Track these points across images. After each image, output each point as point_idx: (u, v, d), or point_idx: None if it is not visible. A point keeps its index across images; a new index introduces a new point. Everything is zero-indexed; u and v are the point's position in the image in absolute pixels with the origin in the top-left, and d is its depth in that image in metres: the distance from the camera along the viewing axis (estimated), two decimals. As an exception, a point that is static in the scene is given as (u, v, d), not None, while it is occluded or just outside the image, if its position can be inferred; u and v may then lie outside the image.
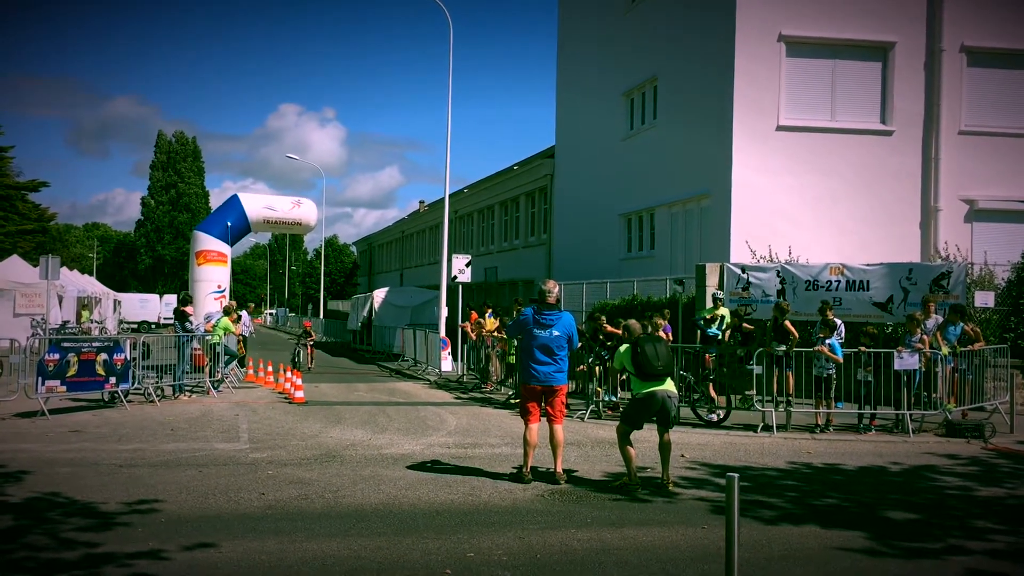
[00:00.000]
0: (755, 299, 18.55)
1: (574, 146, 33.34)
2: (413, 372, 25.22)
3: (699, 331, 16.44)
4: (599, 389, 15.32)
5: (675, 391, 9.21)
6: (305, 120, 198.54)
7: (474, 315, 22.05)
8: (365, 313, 36.14)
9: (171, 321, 21.79)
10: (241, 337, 21.75)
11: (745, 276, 18.73)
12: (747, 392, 14.31)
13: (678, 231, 24.89)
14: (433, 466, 10.22)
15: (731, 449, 11.95)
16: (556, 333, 9.37)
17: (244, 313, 21.70)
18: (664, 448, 9.18)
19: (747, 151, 21.61)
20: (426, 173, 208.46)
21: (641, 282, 23.12)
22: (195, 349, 17.89)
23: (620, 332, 14.72)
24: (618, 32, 29.02)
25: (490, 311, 21.38)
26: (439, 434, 13.00)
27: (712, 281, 19.25)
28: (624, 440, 9.10)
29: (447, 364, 24.09)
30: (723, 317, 16.16)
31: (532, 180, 37.95)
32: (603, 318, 15.80)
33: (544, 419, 9.66)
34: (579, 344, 9.99)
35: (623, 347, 9.34)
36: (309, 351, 25.54)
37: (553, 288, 9.55)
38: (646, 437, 11.04)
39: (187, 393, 17.44)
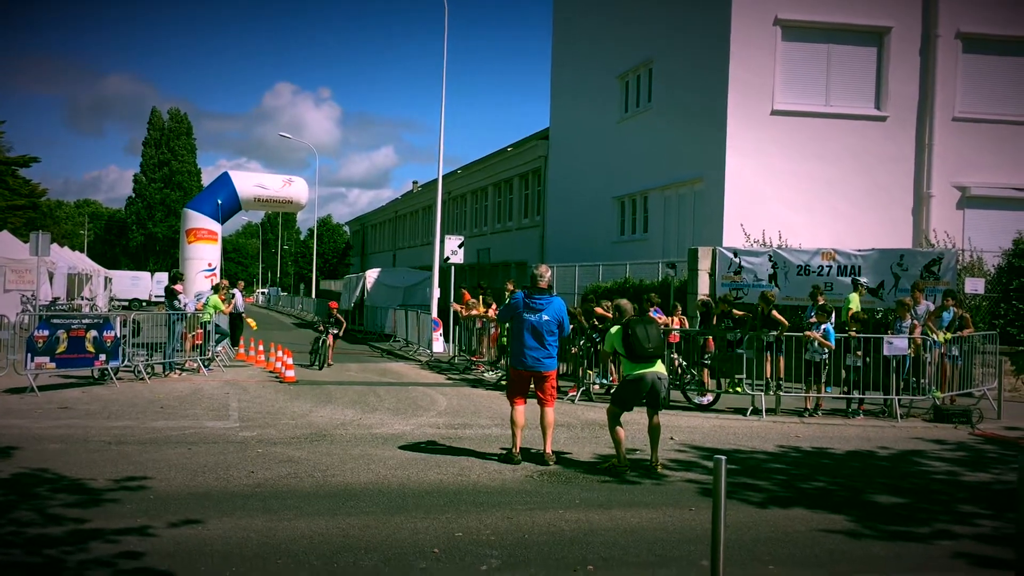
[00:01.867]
0: (747, 284, 18.58)
1: (568, 128, 33.23)
2: (404, 353, 25.23)
3: (699, 315, 16.46)
4: (590, 371, 15.33)
5: (665, 373, 9.22)
6: (301, 99, 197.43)
7: (467, 295, 22.02)
8: (357, 293, 36.09)
9: (162, 299, 21.66)
10: (243, 314, 21.67)
11: (737, 260, 18.75)
12: (737, 376, 14.34)
13: (671, 214, 24.86)
14: (423, 446, 10.23)
15: (720, 432, 11.98)
16: (546, 318, 9.34)
17: (237, 291, 21.64)
18: (653, 431, 9.20)
19: (741, 135, 21.56)
20: (421, 154, 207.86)
21: (634, 265, 23.13)
22: (186, 328, 17.84)
23: (611, 314, 14.75)
24: (614, 14, 28.86)
25: (483, 296, 21.33)
26: (429, 414, 13.01)
27: (704, 265, 19.25)
28: (614, 422, 9.12)
29: (439, 345, 24.08)
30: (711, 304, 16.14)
31: (526, 162, 37.84)
32: (602, 302, 15.79)
33: (535, 401, 9.66)
34: (571, 329, 9.94)
35: (614, 328, 9.33)
36: (331, 343, 20.20)
37: (545, 273, 9.51)
38: (636, 419, 11.07)
39: (177, 371, 17.41)
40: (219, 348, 19.85)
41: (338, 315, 20.64)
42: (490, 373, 19.21)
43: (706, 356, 15.02)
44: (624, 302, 9.67)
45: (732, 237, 20.91)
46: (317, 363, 19.82)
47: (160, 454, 9.36)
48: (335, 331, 20.26)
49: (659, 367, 9.09)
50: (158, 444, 9.96)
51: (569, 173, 32.48)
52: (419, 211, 57.03)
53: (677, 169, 24.13)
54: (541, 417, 9.55)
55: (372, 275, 35.94)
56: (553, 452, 9.53)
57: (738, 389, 14.31)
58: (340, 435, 10.92)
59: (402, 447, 10.14)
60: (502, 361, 18.45)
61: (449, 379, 18.67)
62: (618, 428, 9.08)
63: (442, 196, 26.73)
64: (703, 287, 19.18)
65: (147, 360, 16.78)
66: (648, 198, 26.33)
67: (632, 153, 27.12)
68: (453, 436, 11.07)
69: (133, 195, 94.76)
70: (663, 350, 9.10)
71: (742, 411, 13.73)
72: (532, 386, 9.56)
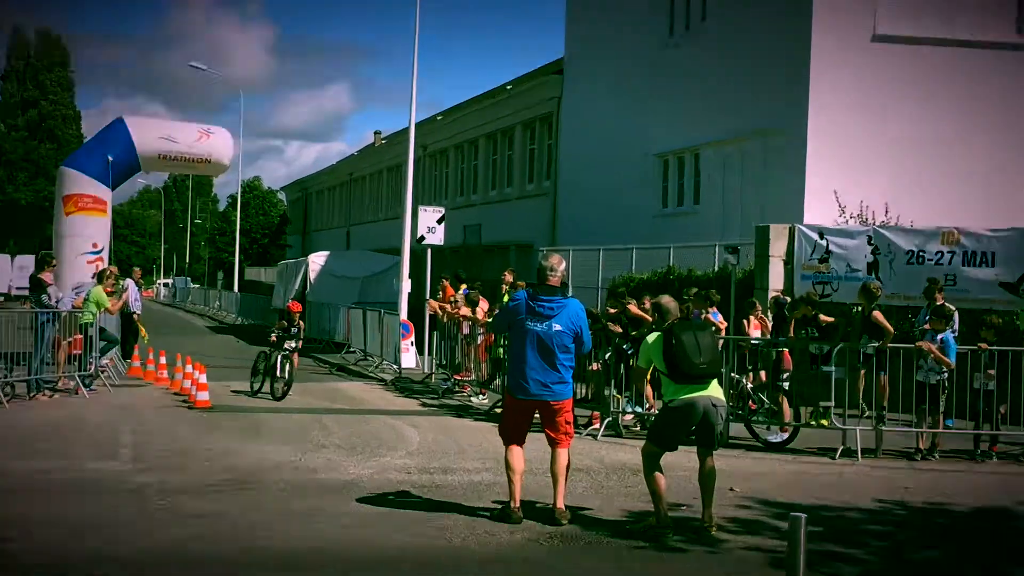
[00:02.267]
0: (837, 275, 18.55)
1: (591, 59, 33.22)
2: (362, 368, 25.19)
3: (770, 318, 16.50)
4: (617, 395, 15.35)
5: (723, 399, 9.21)
6: (221, 16, 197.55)
7: (448, 288, 21.99)
8: (297, 286, 36.08)
9: (26, 292, 21.67)
10: (135, 314, 21.68)
11: (824, 243, 18.73)
12: (822, 404, 14.34)
13: (732, 179, 24.87)
14: (388, 498, 10.23)
15: (799, 481, 11.94)
16: (557, 328, 9.32)
17: (130, 282, 21.62)
18: (706, 478, 9.20)
19: (831, 71, 21.57)
20: (385, 94, 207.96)
21: (680, 249, 23.15)
22: (59, 332, 17.83)
23: (648, 317, 14.76)
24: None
25: (465, 288, 21.22)
26: (397, 454, 12.98)
27: (778, 249, 19.29)
28: (651, 466, 9.12)
29: (409, 358, 24.08)
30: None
31: (531, 105, 37.84)
32: (636, 298, 15.76)
33: (544, 438, 9.65)
34: (590, 344, 9.95)
35: (652, 336, 9.33)
36: (294, 361, 19.06)
37: (557, 265, 9.49)
38: (682, 463, 11.07)
39: (47, 392, 17.40)
40: (105, 360, 19.84)
41: (300, 322, 19.58)
42: (479, 397, 19.18)
43: (782, 376, 15.03)
44: (667, 300, 9.66)
45: (817, 211, 20.95)
46: (272, 390, 18.54)
47: (23, 507, 9.35)
48: (293, 344, 18.94)
49: (714, 390, 9.09)
50: (20, 493, 9.94)
51: (591, 121, 32.48)
52: (383, 172, 57.12)
53: (741, 116, 24.13)
54: (552, 461, 9.53)
55: (317, 261, 35.99)
56: (567, 507, 9.54)
57: (823, 422, 14.27)
58: (273, 482, 10.89)
59: (359, 499, 10.13)
60: (496, 381, 18.47)
61: (423, 405, 18.60)
62: (657, 474, 9.09)
63: (415, 151, 26.73)
64: (776, 279, 19.21)
65: (5, 377, 16.75)
66: (700, 156, 26.35)
67: (679, 93, 27.10)
68: (429, 484, 11.05)
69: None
70: (719, 367, 9.09)
71: (829, 452, 13.71)
72: (538, 418, 9.57)
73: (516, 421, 9.59)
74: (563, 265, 9.61)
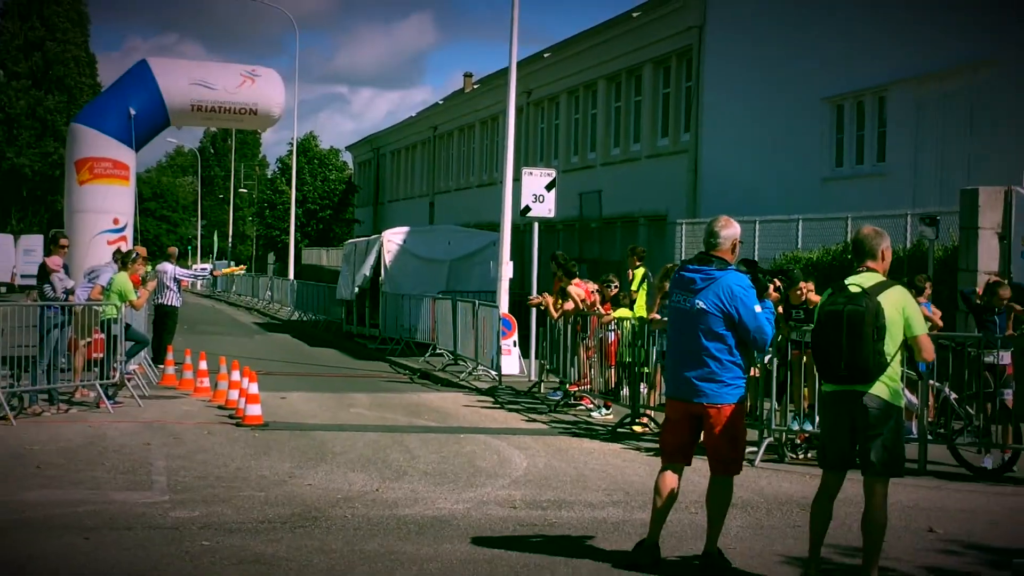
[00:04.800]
0: (1069, 252, 18.28)
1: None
2: (451, 375, 25.34)
3: (967, 307, 16.28)
4: (778, 409, 15.20)
5: (887, 394, 8.78)
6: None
7: (561, 276, 21.91)
8: (368, 272, 36.43)
9: (34, 281, 22.17)
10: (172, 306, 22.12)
11: (1052, 210, 18.47)
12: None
13: (929, 131, 24.44)
14: (488, 540, 10.26)
15: (1020, 520, 11.81)
16: (700, 306, 9.23)
17: (167, 266, 22.03)
18: (866, 512, 8.80)
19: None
20: (478, 25, 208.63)
21: (860, 220, 22.81)
22: (75, 332, 18.20)
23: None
24: None
25: (564, 271, 21.02)
26: (498, 483, 13.05)
27: (990, 219, 19.07)
28: (820, 494, 8.92)
29: (511, 362, 24.15)
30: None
31: (665, 37, 37.61)
32: (803, 284, 15.46)
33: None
34: (767, 335, 9.50)
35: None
36: None
37: (723, 229, 9.39)
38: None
39: (62, 405, 17.78)
40: (133, 365, 20.21)
41: None
42: (602, 412, 19.17)
43: (1001, 383, 14.79)
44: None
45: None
46: None
47: (37, 547, 9.54)
48: None
49: (877, 388, 8.74)
50: (33, 529, 10.15)
51: (743, 56, 32.18)
52: (475, 127, 57.38)
53: (941, 45, 23.69)
54: (709, 490, 9.49)
55: (394, 239, 36.22)
56: (720, 551, 9.45)
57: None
58: (343, 518, 10.99)
59: (451, 541, 10.17)
60: (624, 391, 18.42)
61: (530, 421, 18.68)
62: (822, 501, 8.90)
63: (517, 99, 26.75)
64: (987, 258, 19.02)
65: (12, 386, 17.14)
66: (886, 99, 25.91)
67: (858, 16, 26.68)
68: (540, 522, 11.07)
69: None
70: (882, 361, 8.67)
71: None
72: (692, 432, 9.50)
73: (668, 429, 9.64)
74: (732, 230, 9.43)
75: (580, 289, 20.48)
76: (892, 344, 8.52)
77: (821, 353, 8.78)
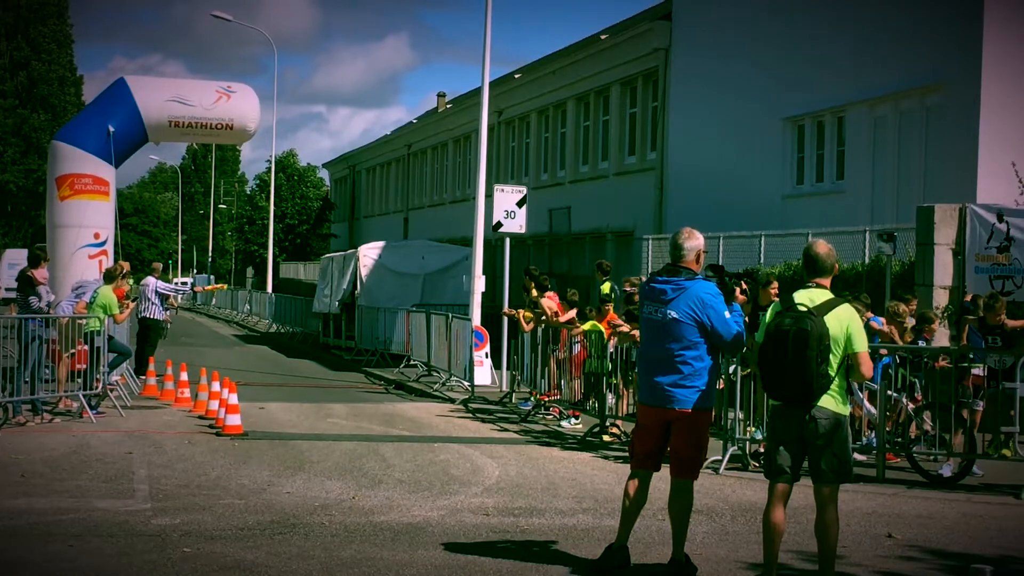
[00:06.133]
0: (1021, 266, 18.31)
1: (706, -1, 33.08)
2: (425, 386, 25.35)
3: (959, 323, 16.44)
4: (742, 419, 15.30)
5: (835, 408, 8.83)
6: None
7: (533, 288, 22.02)
8: (345, 286, 36.44)
9: (15, 293, 22.09)
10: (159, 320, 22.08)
11: (1003, 227, 18.50)
12: (1004, 429, 14.17)
13: (885, 149, 24.61)
14: (461, 547, 10.30)
15: (975, 526, 11.82)
16: (672, 315, 9.32)
17: (151, 280, 22.02)
18: (818, 520, 8.80)
19: (1011, 9, 21.29)
20: (452, 47, 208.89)
21: (819, 235, 22.92)
22: (54, 342, 18.17)
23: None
24: None
25: (534, 285, 21.11)
26: (471, 492, 13.08)
27: (945, 235, 19.11)
28: (775, 507, 8.93)
29: (483, 373, 24.17)
30: None
31: (632, 59, 37.72)
32: (773, 282, 15.49)
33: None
34: (734, 335, 9.56)
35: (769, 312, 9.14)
36: None
37: (687, 241, 9.47)
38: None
39: (45, 414, 17.76)
40: (115, 376, 20.19)
41: None
42: (572, 421, 19.21)
43: (980, 393, 14.90)
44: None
45: (993, 188, 20.70)
46: None
47: (21, 553, 9.57)
48: None
49: (824, 400, 8.78)
50: (19, 536, 10.17)
51: (707, 76, 32.32)
52: (448, 145, 57.36)
53: (898, 68, 23.86)
54: (671, 495, 9.54)
55: (369, 254, 36.27)
56: (687, 557, 9.52)
57: (1005, 452, 14.12)
58: (321, 526, 11.02)
59: (425, 547, 10.22)
60: (591, 401, 18.49)
61: (502, 431, 18.72)
62: (773, 513, 8.90)
63: (489, 118, 26.81)
64: (942, 273, 19.05)
65: (-2, 397, 17.17)
66: (845, 120, 26.06)
67: (816, 40, 26.85)
68: (512, 529, 11.12)
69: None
70: (825, 383, 8.71)
71: (1015, 489, 13.55)
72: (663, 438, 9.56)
73: (639, 435, 9.68)
74: (696, 242, 9.48)
75: (552, 302, 20.59)
76: (836, 360, 8.58)
77: (767, 372, 8.79)
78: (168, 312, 24.49)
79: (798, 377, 8.49)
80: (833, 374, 8.57)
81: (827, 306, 8.63)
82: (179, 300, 22.19)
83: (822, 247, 9.09)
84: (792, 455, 8.74)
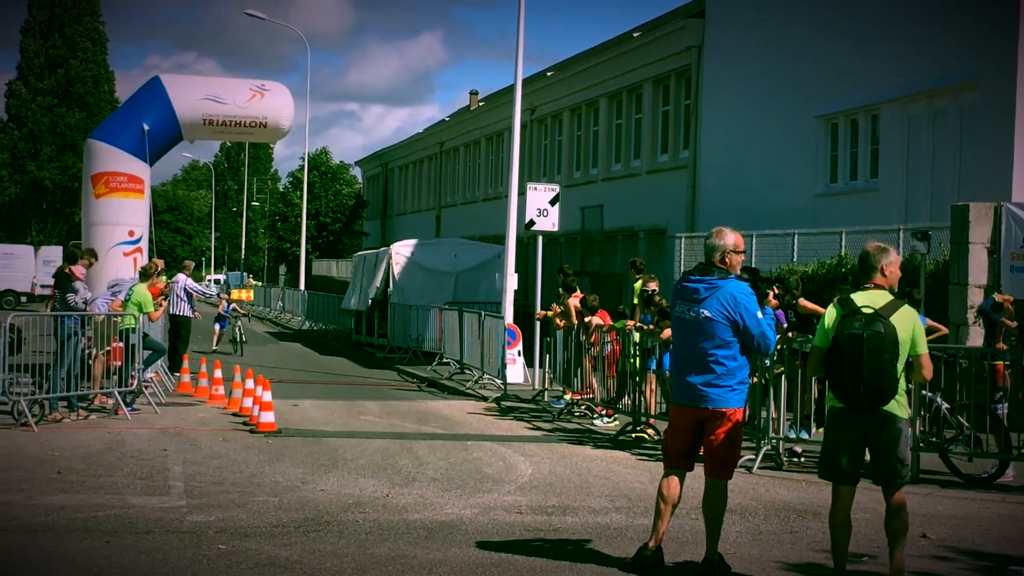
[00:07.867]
0: (1057, 266, 18.27)
1: (739, -3, 32.98)
2: (458, 384, 25.38)
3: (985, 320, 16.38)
4: (774, 416, 15.18)
5: (902, 415, 8.81)
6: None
7: (562, 289, 21.97)
8: (378, 283, 36.45)
9: (52, 291, 22.17)
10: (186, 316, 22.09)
11: (1039, 226, 18.45)
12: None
13: (919, 147, 24.46)
14: (494, 544, 10.28)
15: (1011, 526, 11.78)
16: (705, 314, 9.30)
17: (182, 277, 22.03)
18: (893, 518, 8.88)
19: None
20: (485, 45, 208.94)
21: (853, 235, 22.89)
22: (89, 339, 18.21)
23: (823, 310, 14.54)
24: None
25: (564, 288, 21.06)
26: (504, 490, 13.08)
27: (980, 234, 19.08)
28: (841, 509, 8.88)
29: (516, 371, 24.15)
30: None
31: (665, 56, 37.62)
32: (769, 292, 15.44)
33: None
34: (770, 340, 9.54)
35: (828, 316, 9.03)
36: None
37: (721, 240, 9.46)
38: (863, 503, 10.87)
39: (81, 411, 17.82)
40: (150, 373, 20.25)
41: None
42: (605, 420, 19.18)
43: (996, 396, 14.78)
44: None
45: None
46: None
47: (58, 550, 9.57)
48: None
49: (890, 405, 8.75)
50: (55, 533, 10.19)
51: (740, 74, 32.21)
52: (481, 143, 57.36)
53: (933, 66, 23.70)
54: (704, 495, 9.50)
55: (402, 252, 36.25)
56: (721, 556, 9.45)
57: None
58: (354, 523, 11.03)
59: (459, 545, 10.19)
60: (625, 399, 18.42)
61: (535, 429, 18.74)
62: (839, 513, 8.88)
63: (522, 116, 26.76)
64: (977, 272, 19.02)
65: (34, 394, 17.19)
66: (879, 117, 25.90)
67: (851, 38, 26.70)
68: (545, 527, 11.09)
69: (5, 117, 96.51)
70: (898, 384, 8.70)
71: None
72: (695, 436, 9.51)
73: (671, 435, 9.66)
74: (727, 238, 9.47)
75: (576, 301, 20.52)
76: (901, 362, 8.57)
77: (838, 377, 8.68)
78: (195, 311, 24.69)
79: (874, 380, 8.44)
80: (899, 374, 8.54)
81: (890, 308, 8.59)
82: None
83: (871, 245, 9.17)
84: (854, 458, 8.75)
